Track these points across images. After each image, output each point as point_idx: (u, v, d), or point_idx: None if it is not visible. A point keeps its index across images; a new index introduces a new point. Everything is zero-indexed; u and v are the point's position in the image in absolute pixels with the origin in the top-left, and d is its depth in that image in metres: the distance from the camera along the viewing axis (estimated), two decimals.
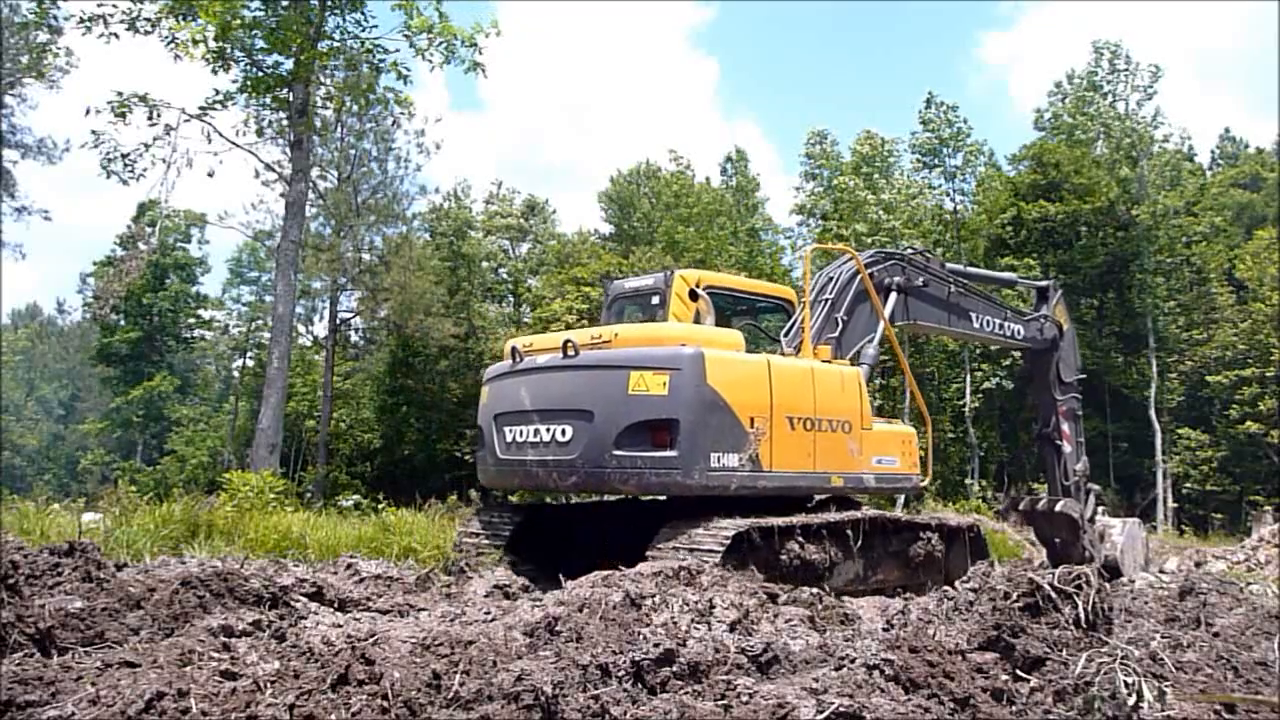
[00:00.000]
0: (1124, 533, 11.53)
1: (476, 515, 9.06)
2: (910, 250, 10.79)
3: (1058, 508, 11.10)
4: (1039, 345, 11.63)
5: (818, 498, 8.47)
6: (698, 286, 8.38)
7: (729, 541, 6.75)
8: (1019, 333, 11.30)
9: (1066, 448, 11.68)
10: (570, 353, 7.50)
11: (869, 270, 9.35)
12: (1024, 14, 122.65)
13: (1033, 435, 12.29)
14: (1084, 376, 12.55)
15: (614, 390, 7.17)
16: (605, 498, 9.46)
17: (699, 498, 7.29)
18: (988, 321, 10.86)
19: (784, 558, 7.28)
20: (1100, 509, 11.98)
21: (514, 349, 8.26)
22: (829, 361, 8.33)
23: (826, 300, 9.01)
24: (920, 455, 9.33)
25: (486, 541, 8.43)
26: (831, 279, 9.27)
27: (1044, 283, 12.28)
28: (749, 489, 7.32)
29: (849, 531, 7.83)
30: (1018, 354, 32.68)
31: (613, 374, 7.24)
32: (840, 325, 8.86)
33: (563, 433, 7.48)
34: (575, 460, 7.36)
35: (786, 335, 8.79)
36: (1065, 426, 11.72)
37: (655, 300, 8.60)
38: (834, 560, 7.73)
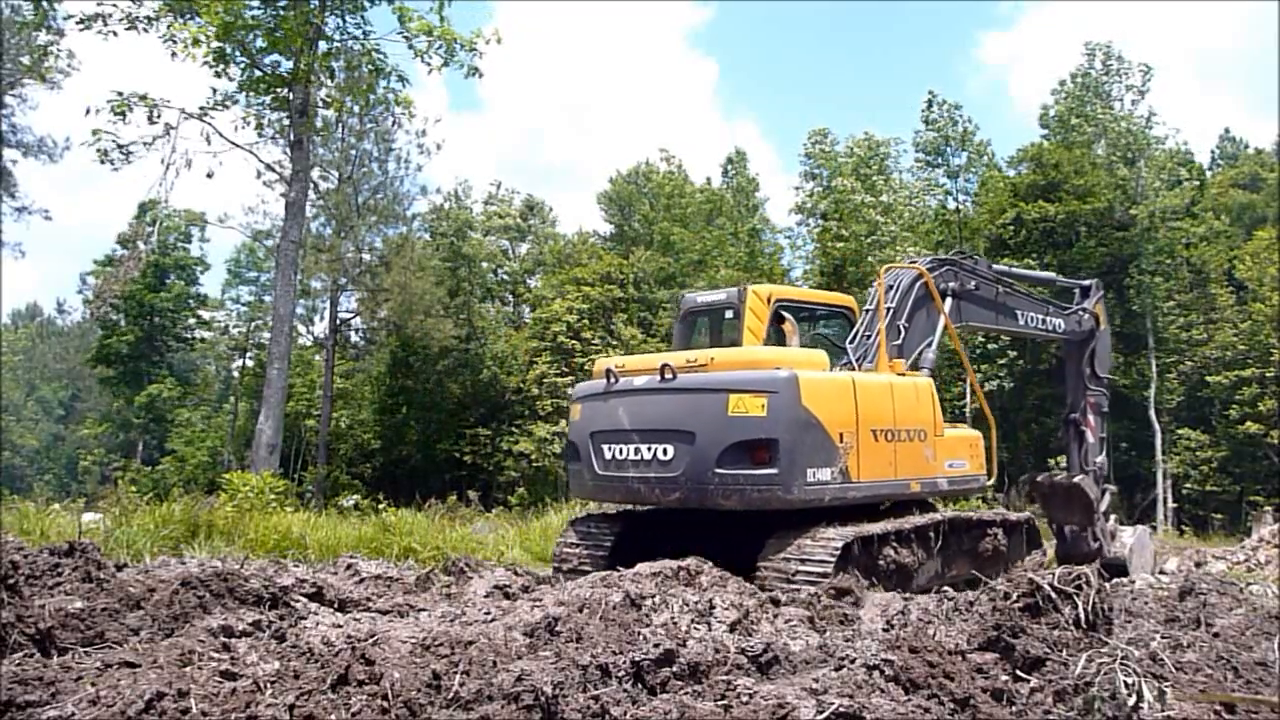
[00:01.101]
0: (1135, 536, 11.87)
1: (572, 526, 9.36)
2: (960, 254, 11.12)
3: (1076, 479, 11.44)
4: (1077, 336, 12.10)
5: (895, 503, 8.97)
6: (769, 300, 8.81)
7: (839, 552, 7.14)
8: (1059, 326, 11.78)
9: (1090, 438, 12.16)
10: (668, 376, 7.91)
11: (929, 278, 9.81)
12: (1023, 14, 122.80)
13: (1061, 419, 12.75)
14: (1113, 377, 12.87)
15: (714, 412, 7.58)
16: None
17: (797, 512, 7.74)
18: (1031, 318, 11.34)
19: (880, 562, 7.66)
20: (1114, 516, 12.24)
21: (609, 370, 8.54)
22: (903, 375, 8.84)
23: (889, 309, 9.35)
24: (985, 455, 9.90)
25: (586, 552, 8.74)
26: (891, 287, 9.60)
27: (1086, 282, 12.80)
28: (840, 499, 7.79)
29: (932, 533, 8.32)
30: (1015, 354, 32.90)
31: (712, 397, 7.64)
32: (901, 332, 9.25)
33: (664, 452, 7.90)
34: (678, 478, 7.77)
35: (852, 343, 9.17)
36: (1091, 417, 12.17)
37: (729, 315, 9.02)
38: (920, 561, 8.14)
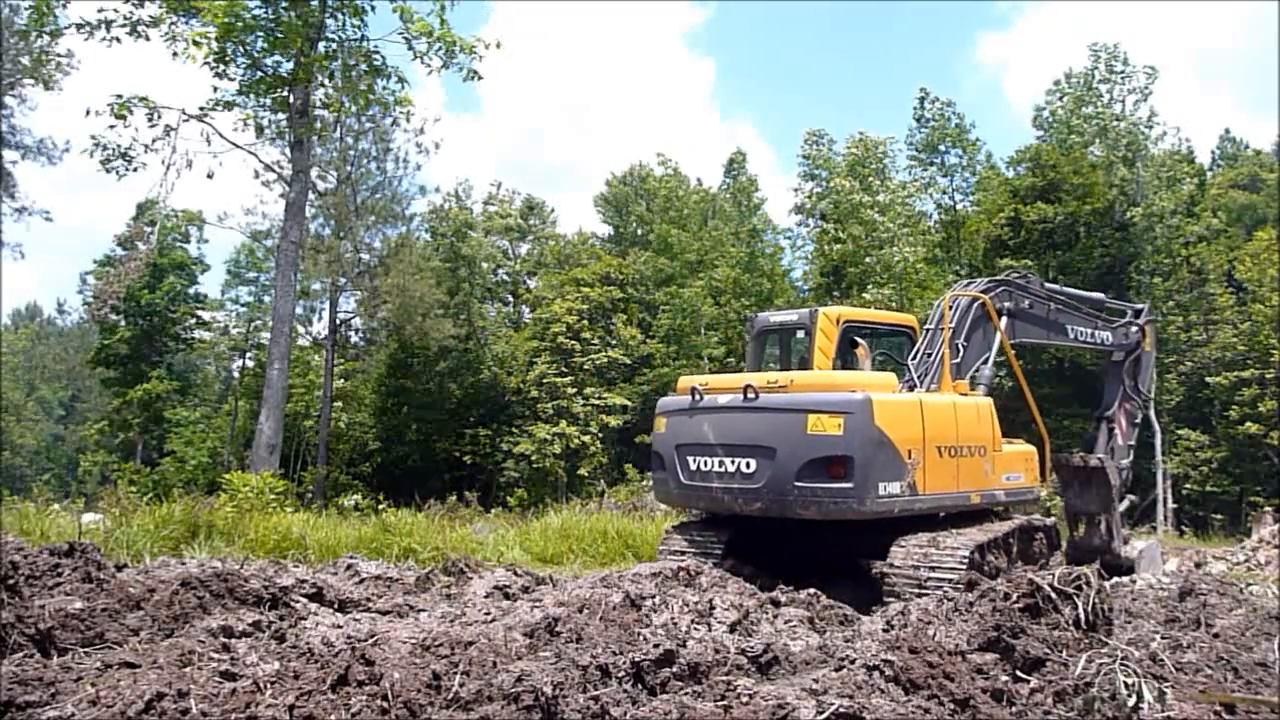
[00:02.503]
0: (1147, 545, 12.21)
1: (675, 531, 9.99)
2: (1014, 274, 11.58)
3: (1097, 460, 11.81)
4: (1123, 349, 12.64)
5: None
6: (838, 322, 9.47)
7: (966, 560, 7.88)
8: (1106, 339, 12.33)
9: (1119, 440, 12.53)
10: (750, 395, 8.57)
11: (986, 297, 10.39)
12: (1021, 14, 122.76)
13: (1093, 417, 13.08)
14: (1150, 397, 13.66)
15: (794, 430, 8.26)
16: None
17: (869, 521, 8.48)
18: (1080, 332, 11.91)
19: (985, 569, 8.23)
20: (1127, 532, 12.56)
21: (694, 389, 9.23)
22: (965, 395, 9.51)
23: (949, 328, 9.91)
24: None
25: (696, 555, 9.29)
26: (950, 308, 10.13)
27: (1139, 306, 13.41)
28: (907, 511, 8.44)
29: (1012, 539, 9.07)
30: (1020, 360, 32.89)
31: (792, 416, 8.30)
32: (960, 351, 9.84)
33: (747, 465, 8.58)
34: (760, 489, 8.47)
35: (913, 360, 9.72)
36: (1124, 422, 12.61)
37: (800, 335, 9.68)
38: (1010, 563, 8.84)
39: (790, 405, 8.36)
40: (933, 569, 7.89)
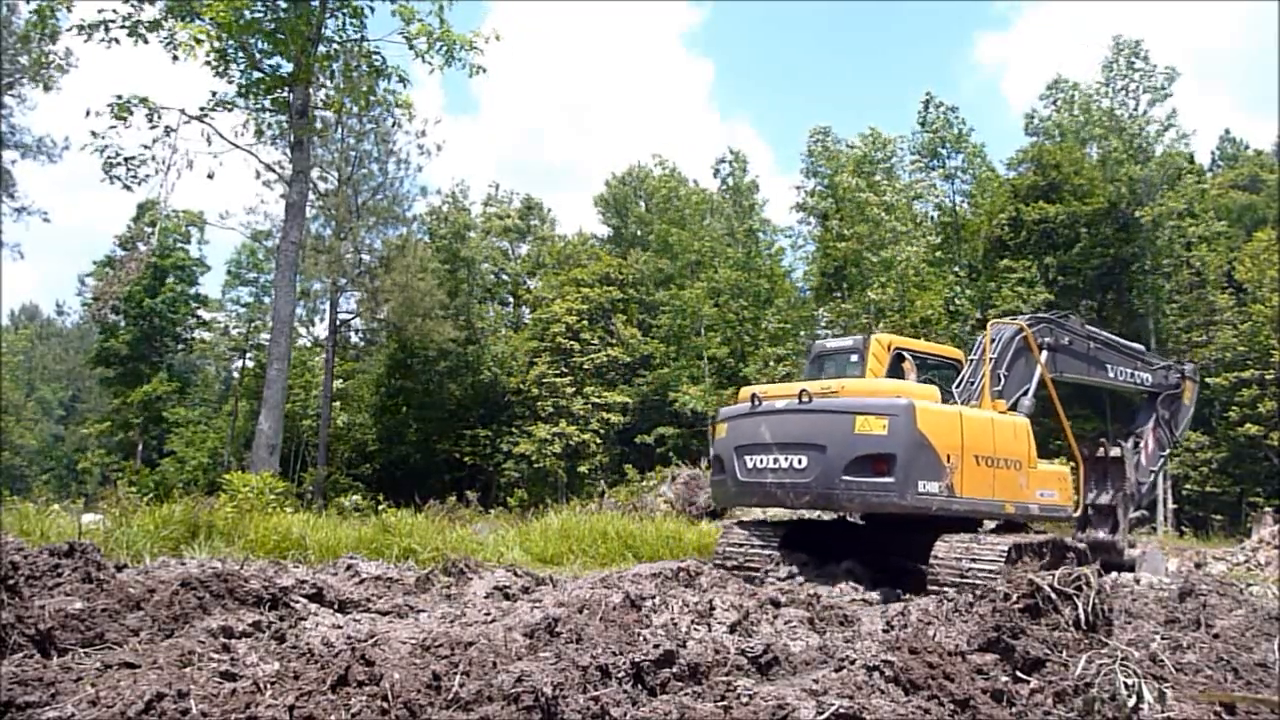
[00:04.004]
0: (1149, 547, 12.84)
1: (733, 527, 10.64)
2: (1056, 314, 12.34)
3: (1118, 447, 12.36)
4: (1163, 389, 13.20)
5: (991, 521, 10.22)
6: (889, 348, 10.29)
7: (1005, 554, 8.38)
8: (1146, 380, 12.94)
9: (1144, 460, 12.92)
10: (805, 399, 9.36)
11: (1029, 332, 11.05)
12: (1019, 15, 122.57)
13: (1122, 433, 13.63)
14: (1179, 442, 14.53)
15: (843, 429, 9.03)
16: (823, 515, 11.28)
17: (911, 521, 9.33)
18: (1121, 371, 12.56)
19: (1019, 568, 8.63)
20: (1132, 536, 13.02)
21: (754, 395, 10.06)
22: (1004, 413, 10.22)
23: (991, 359, 10.61)
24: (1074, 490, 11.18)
25: (749, 552, 9.93)
26: (994, 340, 10.81)
27: (1188, 366, 14.08)
28: (945, 510, 9.09)
29: (1045, 549, 9.51)
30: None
31: (842, 417, 9.09)
32: (1001, 380, 10.54)
33: (799, 461, 9.33)
34: (809, 483, 9.22)
35: (957, 388, 10.37)
36: (1152, 445, 13.10)
37: (853, 358, 10.42)
38: (1041, 566, 9.06)
39: (840, 407, 9.17)
40: (974, 560, 8.45)
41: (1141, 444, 12.95)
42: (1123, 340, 13.41)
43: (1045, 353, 11.16)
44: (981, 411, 9.94)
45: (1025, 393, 10.71)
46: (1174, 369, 13.39)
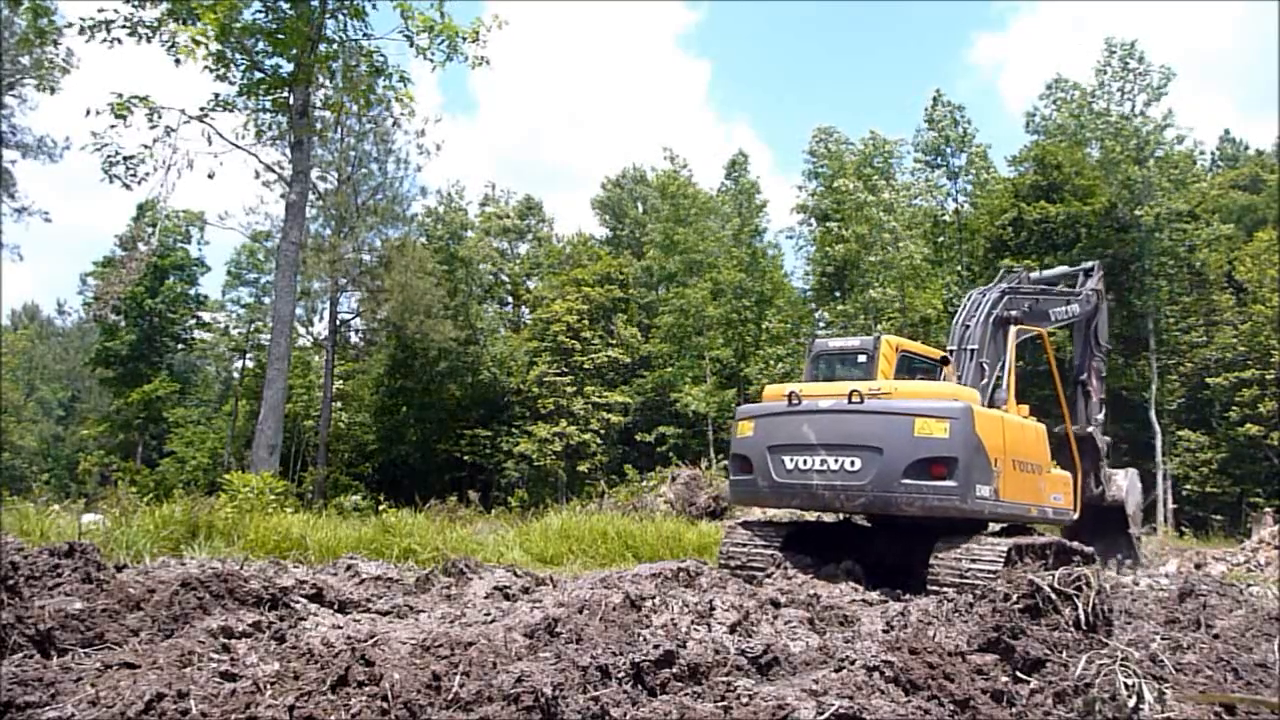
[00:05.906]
0: (1127, 478, 13.23)
1: (737, 528, 10.46)
2: (1013, 278, 12.17)
3: (1088, 430, 12.72)
4: (1087, 315, 13.34)
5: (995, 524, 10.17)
6: (896, 349, 10.23)
7: (1004, 555, 8.41)
8: (1076, 311, 13.01)
9: (1093, 396, 13.33)
10: (856, 400, 9.12)
11: (997, 311, 10.87)
12: (1017, 15, 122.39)
13: (1069, 381, 13.74)
14: (1110, 347, 14.49)
15: (901, 431, 8.81)
16: (845, 517, 11.20)
17: (923, 527, 9.21)
18: (1059, 313, 12.55)
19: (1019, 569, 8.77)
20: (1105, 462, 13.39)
21: (791, 393, 9.72)
22: (1026, 418, 10.24)
23: (970, 350, 10.49)
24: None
25: (752, 553, 9.77)
26: (967, 327, 10.72)
27: (1089, 264, 14.14)
28: (993, 515, 9.21)
29: (1049, 551, 9.60)
30: (1019, 362, 32.84)
31: (901, 419, 8.87)
32: (984, 370, 10.39)
33: (851, 463, 9.02)
34: (865, 486, 8.92)
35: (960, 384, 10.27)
36: (1094, 380, 13.44)
37: (862, 359, 10.28)
38: (1043, 568, 9.26)
39: (899, 409, 8.91)
40: (973, 561, 8.43)
41: (1089, 388, 13.28)
42: (1050, 273, 13.71)
43: (1013, 327, 11.02)
44: (1013, 416, 9.99)
45: (1000, 387, 10.53)
46: (1093, 291, 13.33)
